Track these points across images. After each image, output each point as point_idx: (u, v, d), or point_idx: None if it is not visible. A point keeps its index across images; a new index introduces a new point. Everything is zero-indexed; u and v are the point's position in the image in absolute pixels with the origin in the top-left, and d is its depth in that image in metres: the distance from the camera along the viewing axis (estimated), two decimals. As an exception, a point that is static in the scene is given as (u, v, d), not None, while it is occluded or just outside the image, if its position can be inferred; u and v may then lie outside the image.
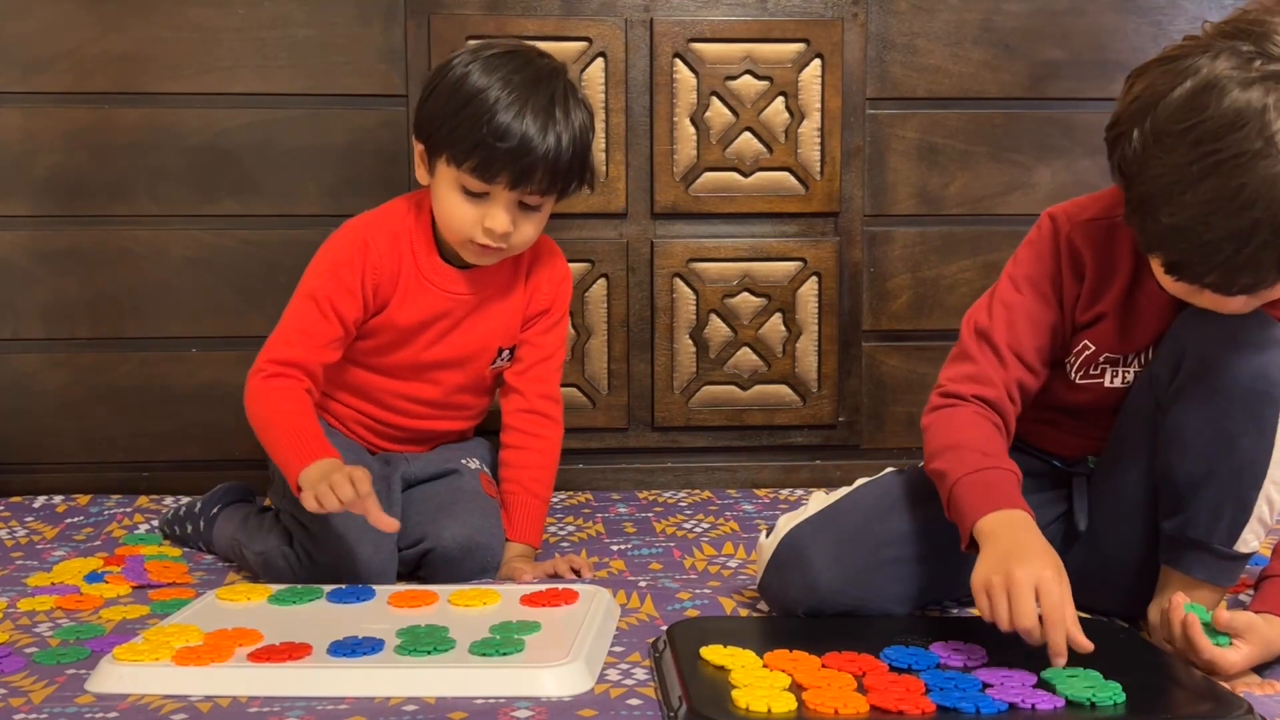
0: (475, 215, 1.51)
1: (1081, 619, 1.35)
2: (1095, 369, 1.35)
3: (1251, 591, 1.45)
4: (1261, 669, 1.23)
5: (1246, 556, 1.27)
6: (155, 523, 1.81)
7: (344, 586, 1.42)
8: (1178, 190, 1.11)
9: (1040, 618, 1.10)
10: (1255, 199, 1.08)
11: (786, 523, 1.37)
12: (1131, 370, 1.34)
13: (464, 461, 1.65)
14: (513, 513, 1.60)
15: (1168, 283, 1.21)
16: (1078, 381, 1.36)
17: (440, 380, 1.64)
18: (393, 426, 1.66)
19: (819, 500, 1.39)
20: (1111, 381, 1.35)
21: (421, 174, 1.57)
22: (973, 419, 1.30)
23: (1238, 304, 1.20)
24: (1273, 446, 1.22)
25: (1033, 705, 1.07)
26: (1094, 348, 1.34)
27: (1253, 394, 1.21)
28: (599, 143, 2.03)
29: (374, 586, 1.42)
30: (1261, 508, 1.24)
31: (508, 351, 1.65)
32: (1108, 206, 1.30)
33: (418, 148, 1.57)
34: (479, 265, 1.58)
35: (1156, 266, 1.20)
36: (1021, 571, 1.11)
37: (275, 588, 1.41)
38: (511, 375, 1.66)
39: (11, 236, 2.00)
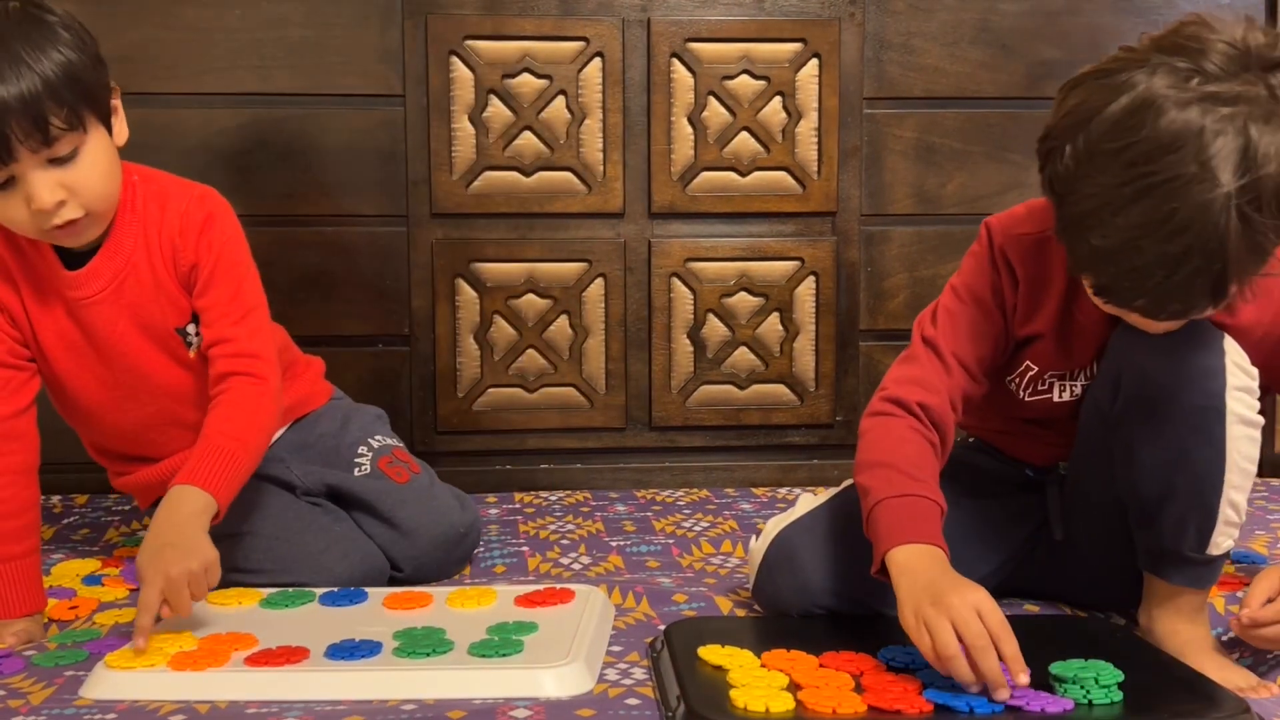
0: (20, 204, 1.29)
1: (1078, 617, 1.37)
2: (1043, 384, 1.34)
3: (1245, 593, 1.46)
4: (1262, 670, 1.23)
5: (1222, 557, 1.26)
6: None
7: (335, 590, 1.41)
8: (1109, 212, 1.07)
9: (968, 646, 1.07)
10: (1188, 224, 1.04)
11: (775, 525, 1.36)
12: (1079, 383, 1.32)
13: (360, 451, 1.59)
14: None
15: (1098, 303, 1.19)
16: (1027, 399, 1.35)
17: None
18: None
19: (807, 502, 1.39)
20: (1060, 396, 1.33)
21: None
22: (909, 435, 1.25)
23: (1165, 325, 1.18)
24: (1225, 455, 1.20)
25: (1038, 707, 1.07)
26: (1037, 368, 1.33)
27: (1196, 411, 1.20)
28: (595, 142, 2.03)
29: (366, 589, 1.41)
30: (1226, 512, 1.23)
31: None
32: (1042, 219, 1.26)
33: None
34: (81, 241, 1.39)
35: (1087, 287, 1.18)
36: (957, 597, 1.08)
37: (266, 591, 1.40)
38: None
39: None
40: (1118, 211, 1.07)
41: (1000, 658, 1.06)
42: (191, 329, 1.46)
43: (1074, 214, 1.12)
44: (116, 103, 1.37)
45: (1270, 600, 1.21)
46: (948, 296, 1.33)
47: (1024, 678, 1.06)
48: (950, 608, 1.07)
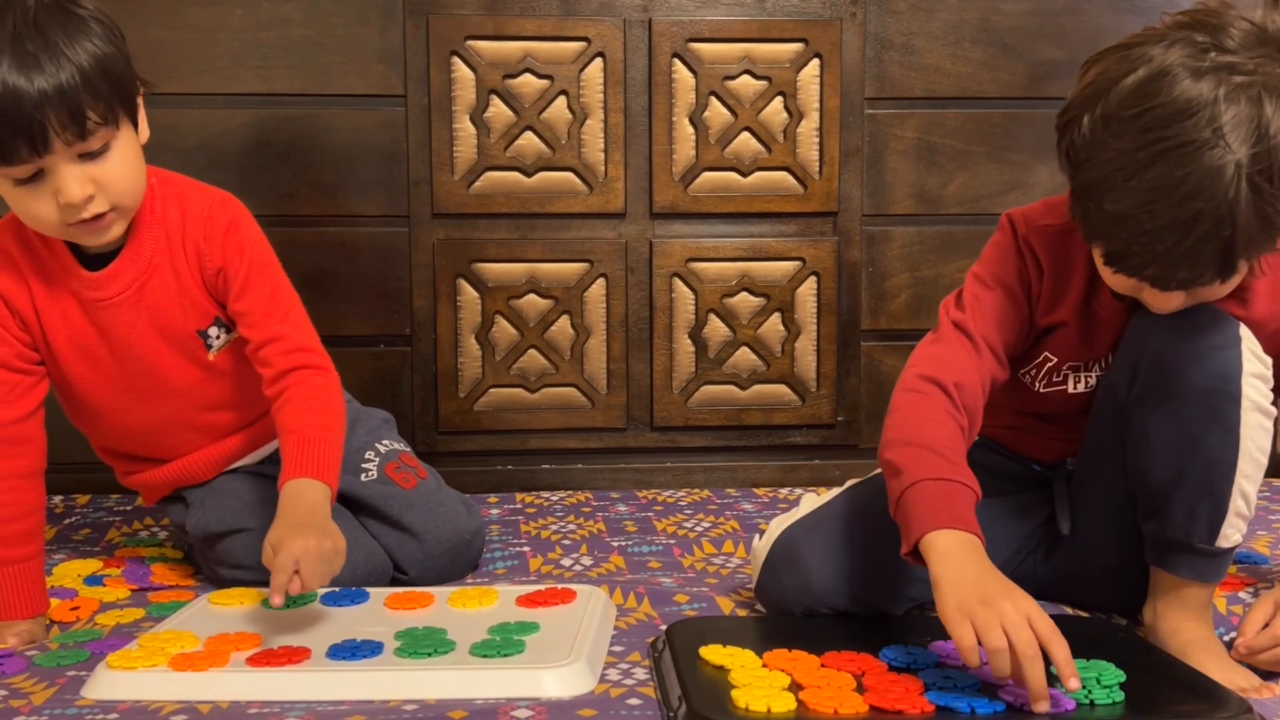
0: (48, 198, 1.28)
1: (1079, 617, 1.37)
2: (1058, 376, 1.35)
3: (1252, 590, 1.45)
4: (1264, 672, 1.23)
5: (1231, 550, 1.26)
6: (155, 529, 1.81)
7: (337, 589, 1.40)
8: (1122, 177, 1.10)
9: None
10: (1199, 189, 1.07)
11: (779, 525, 1.37)
12: (1094, 375, 1.34)
13: (367, 456, 1.59)
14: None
15: (1107, 275, 1.20)
16: (1041, 391, 1.36)
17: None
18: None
19: (811, 501, 1.39)
20: (1075, 387, 1.35)
21: None
22: (942, 417, 1.24)
23: (1176, 301, 1.19)
24: (1239, 441, 1.21)
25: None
26: (1056, 359, 1.34)
27: (1211, 394, 1.21)
28: (597, 142, 2.04)
29: (368, 589, 1.41)
30: (1237, 502, 1.23)
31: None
32: (1062, 212, 1.29)
33: None
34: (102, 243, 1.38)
35: (1097, 257, 1.19)
36: (1011, 604, 1.05)
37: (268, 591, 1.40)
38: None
39: None
40: (1131, 176, 1.10)
41: (1052, 663, 1.04)
42: (213, 331, 1.46)
43: (1089, 180, 1.14)
44: (139, 99, 1.37)
45: (1266, 625, 1.22)
46: (972, 284, 1.34)
47: (1074, 683, 1.04)
48: (1003, 613, 1.04)
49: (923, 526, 1.14)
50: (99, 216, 1.31)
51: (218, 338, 1.46)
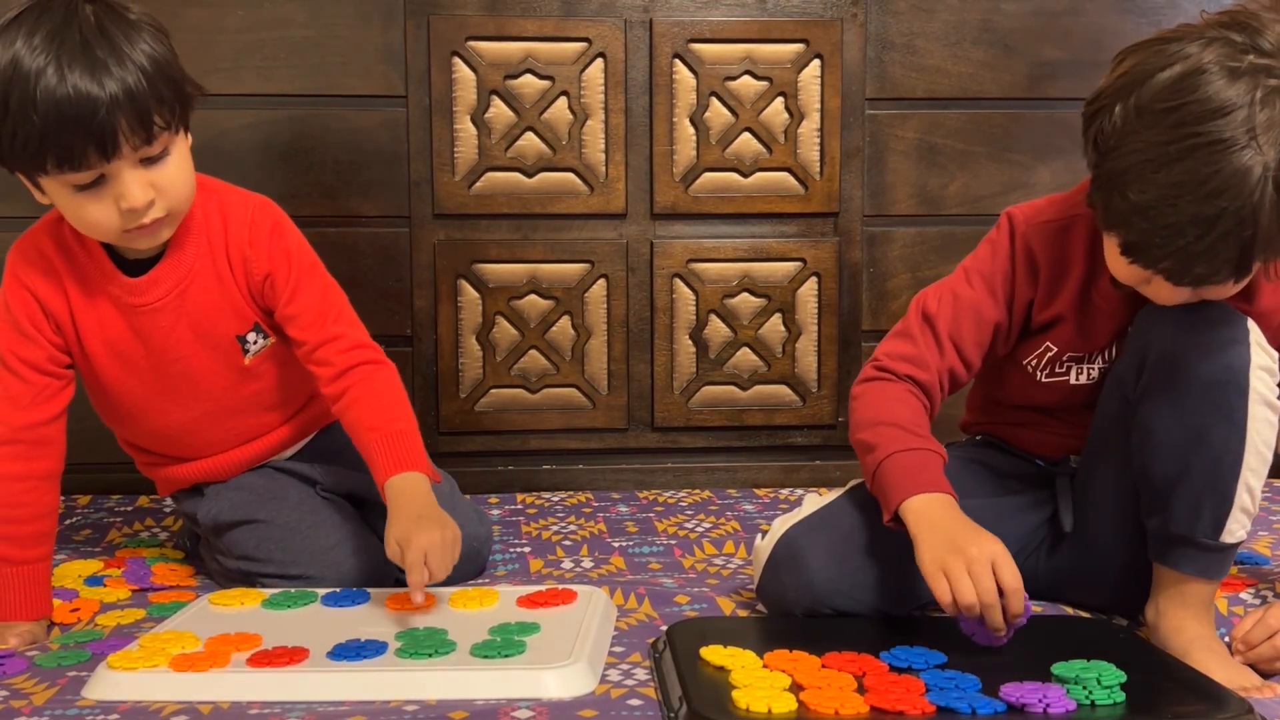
0: (108, 204, 1.29)
1: (1079, 618, 1.37)
2: (1060, 367, 1.36)
3: (1253, 590, 1.45)
4: (1265, 672, 1.23)
5: (1234, 547, 1.26)
6: (155, 529, 1.81)
7: (338, 590, 1.40)
8: (1150, 169, 1.12)
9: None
10: (1225, 188, 1.08)
11: (781, 525, 1.37)
12: (1096, 367, 1.35)
13: None
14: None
15: (1120, 266, 1.21)
16: (1043, 381, 1.37)
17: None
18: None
19: (813, 501, 1.39)
20: (1077, 379, 1.36)
21: (39, 195, 1.33)
22: (904, 396, 1.32)
23: (1183, 296, 1.20)
24: (1245, 435, 1.21)
25: (1040, 708, 1.07)
26: (1056, 349, 1.35)
27: (1218, 386, 1.21)
28: (597, 143, 2.04)
29: (369, 590, 1.41)
30: (1243, 497, 1.23)
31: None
32: (1064, 208, 1.32)
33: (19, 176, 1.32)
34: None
35: (1111, 247, 1.20)
36: (977, 549, 1.16)
37: (269, 591, 1.40)
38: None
39: (13, 238, 1.99)
40: (1159, 168, 1.11)
41: (1004, 612, 1.16)
42: (251, 336, 1.46)
43: (1116, 169, 1.15)
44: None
45: (1259, 622, 1.23)
46: (957, 278, 1.37)
47: (1000, 632, 1.17)
48: (970, 560, 1.16)
49: (900, 494, 1.23)
50: (154, 221, 1.31)
51: (255, 343, 1.47)
